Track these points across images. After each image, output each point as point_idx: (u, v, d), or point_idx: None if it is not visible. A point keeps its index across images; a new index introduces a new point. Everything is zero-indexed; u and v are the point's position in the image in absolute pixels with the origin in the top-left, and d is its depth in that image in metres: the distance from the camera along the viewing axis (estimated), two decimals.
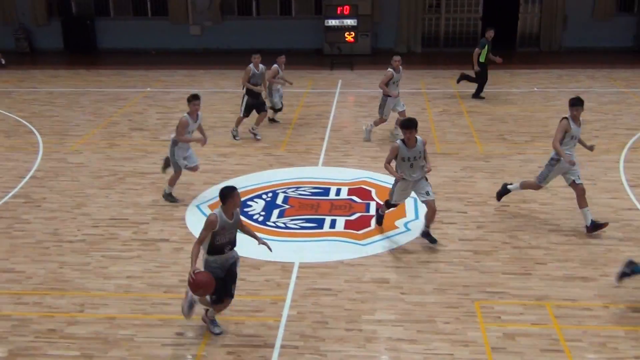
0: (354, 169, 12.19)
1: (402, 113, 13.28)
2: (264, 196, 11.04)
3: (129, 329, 7.57)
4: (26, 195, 11.29)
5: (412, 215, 10.28)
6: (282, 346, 7.25)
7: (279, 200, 10.87)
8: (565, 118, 9.81)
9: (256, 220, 10.16)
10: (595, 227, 9.49)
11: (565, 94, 16.47)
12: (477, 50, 16.05)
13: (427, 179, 9.24)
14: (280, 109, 14.84)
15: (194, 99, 10.64)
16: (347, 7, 21.33)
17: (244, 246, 9.34)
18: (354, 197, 10.89)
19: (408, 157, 8.91)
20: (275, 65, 14.35)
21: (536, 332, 7.42)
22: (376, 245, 9.40)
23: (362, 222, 10.07)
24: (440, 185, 11.33)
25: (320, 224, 10.05)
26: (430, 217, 9.20)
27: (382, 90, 13.29)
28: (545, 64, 20.39)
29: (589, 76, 18.79)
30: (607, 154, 12.65)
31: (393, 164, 9.08)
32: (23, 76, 20.08)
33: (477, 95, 16.69)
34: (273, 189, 11.33)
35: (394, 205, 9.57)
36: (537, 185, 10.10)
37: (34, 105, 16.82)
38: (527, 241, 9.44)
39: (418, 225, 9.90)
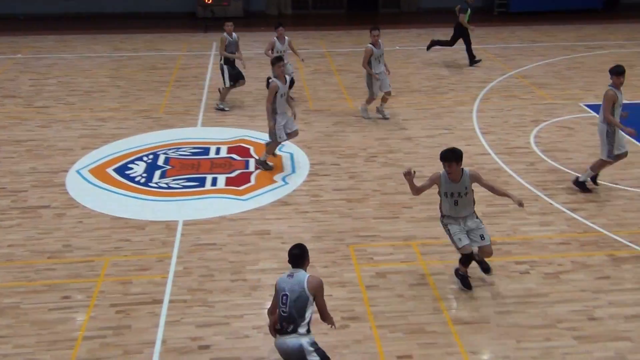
0: (232, 128, 12.06)
1: (387, 93, 12.28)
2: (145, 158, 10.71)
3: (14, 297, 7.21)
4: None
5: (289, 169, 10.35)
6: (171, 301, 7.17)
7: (160, 162, 10.59)
8: (611, 88, 9.08)
9: (138, 182, 9.86)
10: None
11: (423, 52, 17.06)
12: (461, 16, 15.60)
13: (478, 217, 7.28)
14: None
15: (278, 60, 10.01)
16: None
17: (127, 207, 9.15)
18: (234, 155, 10.81)
19: (451, 192, 7.02)
20: (273, 39, 12.91)
21: (405, 269, 7.76)
22: (257, 200, 9.40)
23: (242, 179, 10.02)
24: (314, 140, 11.46)
25: (201, 182, 9.92)
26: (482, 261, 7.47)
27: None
28: (405, 24, 20.85)
29: (444, 34, 19.35)
30: (462, 105, 13.22)
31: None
32: None
33: (472, 61, 16.00)
34: (154, 150, 11.01)
35: (468, 255, 7.23)
36: (609, 162, 9.36)
37: None
38: (394, 188, 9.76)
39: (295, 179, 10.00)
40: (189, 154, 10.92)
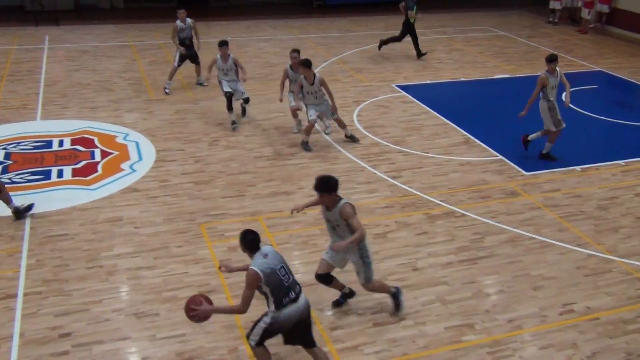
0: (74, 120, 11.30)
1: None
2: None
3: None
4: None
5: (136, 157, 9.94)
6: (25, 294, 6.67)
7: (1, 157, 9.69)
8: (544, 73, 9.79)
9: None
10: None
11: (254, 42, 17.10)
12: (409, 12, 15.59)
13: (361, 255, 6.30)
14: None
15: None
16: None
17: None
18: (78, 147, 10.16)
19: (327, 218, 6.25)
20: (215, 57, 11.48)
21: None
22: (106, 189, 8.94)
23: (89, 169, 9.47)
24: (159, 127, 11.10)
25: (47, 175, 9.23)
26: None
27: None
28: (235, 16, 20.61)
29: (271, 26, 19.54)
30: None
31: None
32: None
33: (420, 54, 16.07)
34: None
35: (325, 278, 6.52)
36: (558, 132, 9.99)
37: None
38: (237, 168, 9.75)
39: (142, 166, 9.65)
40: (30, 147, 10.09)
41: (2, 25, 17.79)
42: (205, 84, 13.25)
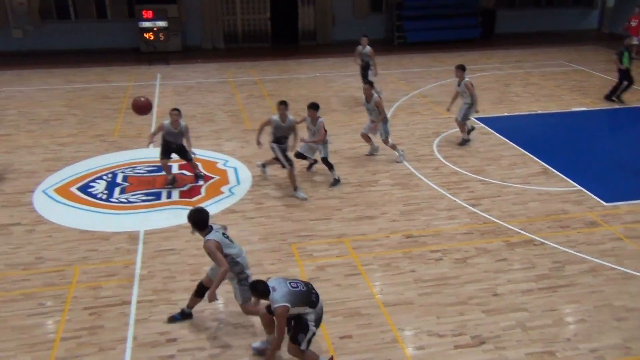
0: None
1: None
2: (105, 177, 10.33)
3: None
4: None
5: (234, 181, 10.23)
6: (139, 301, 6.96)
7: (119, 179, 10.24)
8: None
9: (101, 198, 9.50)
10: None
11: (340, 77, 17.33)
12: (616, 58, 14.76)
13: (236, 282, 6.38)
14: None
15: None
16: (158, 10, 20.30)
17: (92, 221, 8.80)
18: (184, 171, 10.58)
19: None
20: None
21: (340, 262, 7.84)
22: (208, 209, 9.15)
23: (194, 191, 9.84)
24: (255, 155, 11.38)
25: (158, 196, 9.66)
26: None
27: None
28: (322, 54, 21.01)
29: (356, 62, 19.71)
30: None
31: None
32: None
33: (612, 96, 14.90)
34: (112, 170, 10.64)
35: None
36: (464, 124, 11.87)
37: None
38: (325, 193, 9.84)
39: (240, 190, 9.91)
40: (144, 171, 10.61)
41: (121, 65, 18.94)
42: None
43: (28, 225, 8.68)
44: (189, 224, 6.27)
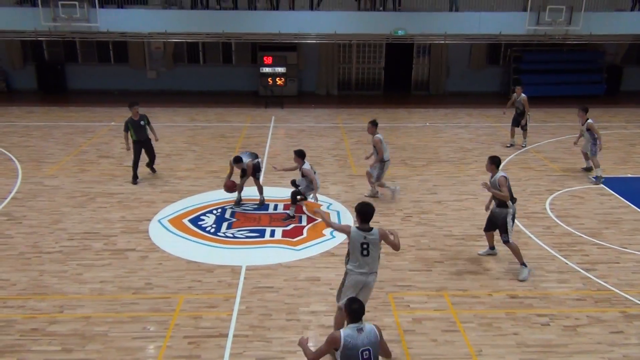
0: (288, 188, 12.10)
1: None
2: (215, 211, 10.83)
3: (103, 326, 7.24)
4: (8, 213, 10.66)
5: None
6: (235, 335, 7.11)
7: (227, 215, 10.69)
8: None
9: (209, 232, 9.94)
10: None
11: (450, 128, 17.11)
12: None
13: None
14: None
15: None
16: (278, 57, 21.39)
17: (199, 252, 9.20)
18: (289, 211, 10.83)
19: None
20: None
21: (438, 316, 7.56)
22: (308, 250, 9.36)
23: (297, 231, 10.02)
24: (357, 200, 11.22)
25: (262, 233, 9.94)
26: None
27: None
28: (434, 105, 20.97)
29: (467, 114, 19.46)
30: (485, 175, 13.01)
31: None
32: (1, 112, 19.00)
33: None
34: (222, 205, 11.14)
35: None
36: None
37: (12, 137, 15.94)
38: (427, 244, 9.62)
39: (341, 234, 9.91)
40: (251, 209, 11.00)
41: (240, 106, 20.04)
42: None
43: (142, 251, 9.25)
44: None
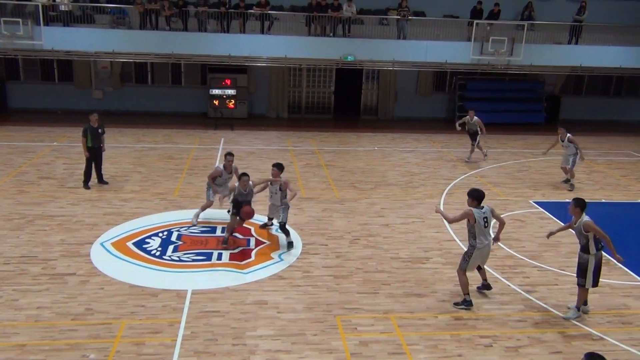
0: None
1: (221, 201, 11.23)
2: (160, 234, 10.61)
3: (39, 355, 6.93)
4: None
5: (284, 248, 10.27)
6: None
7: (174, 238, 10.49)
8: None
9: (154, 255, 9.72)
10: None
11: (398, 152, 17.43)
12: None
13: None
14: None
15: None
16: (228, 80, 21.37)
17: (144, 276, 8.97)
18: (237, 234, 10.72)
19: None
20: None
21: (384, 339, 7.60)
22: (256, 274, 9.28)
23: (244, 255, 9.92)
24: (306, 223, 11.46)
25: (209, 256, 9.80)
26: None
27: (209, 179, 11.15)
28: (382, 129, 21.35)
29: (415, 139, 19.89)
30: (431, 198, 13.36)
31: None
32: None
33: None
34: (168, 228, 10.93)
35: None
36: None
37: None
38: (374, 267, 9.71)
39: (289, 257, 9.92)
40: (198, 232, 10.84)
41: (188, 128, 19.84)
42: None
43: (83, 276, 8.94)
44: None
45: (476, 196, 8.31)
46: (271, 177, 10.39)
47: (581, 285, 8.12)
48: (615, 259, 8.23)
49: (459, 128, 17.00)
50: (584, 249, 8.07)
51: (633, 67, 21.00)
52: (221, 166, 11.26)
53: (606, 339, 7.75)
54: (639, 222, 12.45)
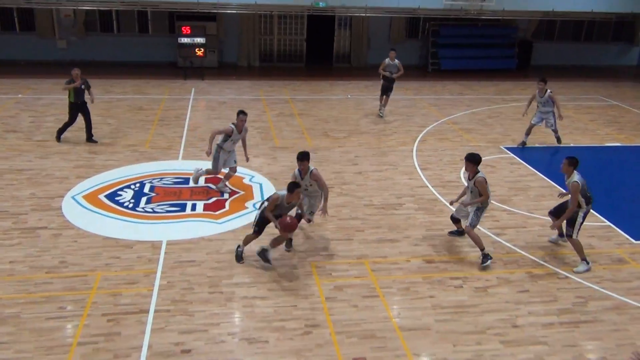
0: (209, 161, 11.92)
1: (233, 169, 10.38)
2: (133, 186, 10.52)
3: (14, 308, 6.93)
4: None
5: (259, 197, 10.31)
6: (156, 310, 7.01)
7: (146, 189, 10.42)
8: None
9: (127, 207, 9.67)
10: None
11: (371, 100, 17.37)
12: None
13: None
14: None
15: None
16: (197, 27, 20.80)
17: (117, 228, 8.95)
18: (210, 185, 10.70)
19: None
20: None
21: (358, 283, 7.79)
22: (231, 223, 9.32)
23: (218, 205, 9.94)
24: (281, 172, 11.47)
25: (183, 207, 9.78)
26: None
27: (213, 141, 10.11)
28: (355, 77, 21.17)
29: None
30: (404, 146, 13.45)
31: None
32: None
33: None
34: (140, 179, 10.84)
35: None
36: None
37: None
38: (348, 214, 9.82)
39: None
40: (171, 183, 10.78)
41: (158, 78, 19.40)
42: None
43: (55, 229, 8.87)
44: None
45: (479, 160, 8.25)
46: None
47: (569, 235, 8.27)
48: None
49: (386, 73, 15.41)
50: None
51: (604, 12, 21.03)
52: (232, 125, 10.07)
53: (571, 278, 8.06)
54: (605, 166, 12.75)
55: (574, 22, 24.21)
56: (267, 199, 8.19)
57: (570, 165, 8.16)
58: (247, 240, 8.22)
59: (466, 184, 8.58)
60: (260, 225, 8.13)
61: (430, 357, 6.44)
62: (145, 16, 21.72)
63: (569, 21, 23.85)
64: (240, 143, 10.37)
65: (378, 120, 15.51)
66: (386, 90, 15.59)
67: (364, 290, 7.60)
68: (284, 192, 7.91)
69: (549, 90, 13.25)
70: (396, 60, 15.39)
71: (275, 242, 8.12)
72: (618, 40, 25.26)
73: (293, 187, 7.87)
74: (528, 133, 13.64)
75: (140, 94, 17.37)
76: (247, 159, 10.69)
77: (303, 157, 8.41)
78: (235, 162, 10.40)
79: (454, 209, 8.93)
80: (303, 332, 6.71)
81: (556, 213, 8.56)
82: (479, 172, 8.22)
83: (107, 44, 21.59)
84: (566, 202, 8.44)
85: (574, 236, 8.25)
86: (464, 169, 11.94)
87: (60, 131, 12.77)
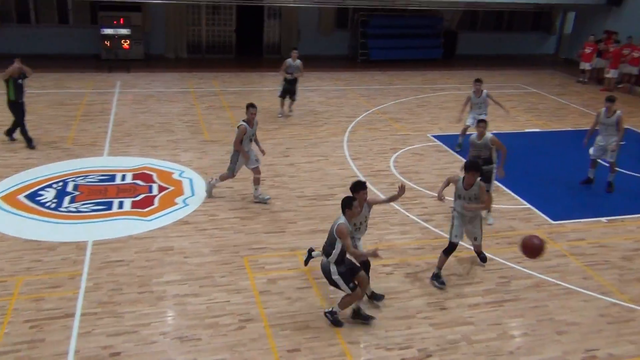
0: (136, 157, 11.63)
1: (256, 170, 9.83)
2: (55, 185, 10.08)
3: None
4: None
5: (189, 192, 10.12)
6: (83, 314, 6.77)
7: (70, 188, 10.00)
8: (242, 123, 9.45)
9: (49, 207, 9.26)
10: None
11: (301, 91, 17.34)
12: None
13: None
14: None
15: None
16: (121, 18, 20.08)
17: (39, 230, 8.56)
18: (138, 181, 10.41)
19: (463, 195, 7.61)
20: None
21: (292, 275, 7.81)
22: (160, 220, 9.10)
23: (147, 202, 9.68)
24: (211, 166, 11.30)
25: (109, 206, 9.47)
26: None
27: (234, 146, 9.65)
28: None
29: (318, 77, 19.85)
30: (335, 136, 13.55)
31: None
32: None
33: None
34: (63, 178, 10.39)
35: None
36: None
37: None
38: (280, 206, 9.81)
39: (194, 201, 9.80)
40: (96, 180, 10.40)
41: (80, 71, 18.61)
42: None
43: None
44: None
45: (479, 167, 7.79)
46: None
47: (488, 190, 8.63)
48: (497, 172, 9.35)
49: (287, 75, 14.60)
50: (488, 161, 9.17)
51: (524, 2, 21.91)
52: (243, 122, 9.50)
53: (495, 259, 8.40)
54: (525, 151, 13.32)
55: (496, 13, 25.10)
56: (338, 234, 6.45)
57: (479, 126, 9.47)
58: (346, 303, 6.74)
59: (458, 194, 7.74)
60: (350, 275, 6.63)
61: (363, 344, 6.55)
62: (66, 6, 20.75)
63: (491, 12, 24.68)
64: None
65: (308, 111, 15.54)
66: (288, 93, 14.67)
67: (298, 282, 7.63)
68: (342, 218, 6.63)
69: (485, 91, 12.35)
70: (298, 61, 14.50)
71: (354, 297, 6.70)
72: (537, 29, 26.39)
73: (358, 187, 6.87)
74: (463, 134, 12.82)
75: (61, 88, 16.62)
76: (264, 152, 10.24)
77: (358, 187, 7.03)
78: (257, 160, 9.83)
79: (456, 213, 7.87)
80: (237, 327, 6.67)
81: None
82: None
83: (24, 36, 20.47)
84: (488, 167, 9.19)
85: (490, 190, 9.14)
86: (393, 157, 12.18)
87: (28, 138, 11.84)
